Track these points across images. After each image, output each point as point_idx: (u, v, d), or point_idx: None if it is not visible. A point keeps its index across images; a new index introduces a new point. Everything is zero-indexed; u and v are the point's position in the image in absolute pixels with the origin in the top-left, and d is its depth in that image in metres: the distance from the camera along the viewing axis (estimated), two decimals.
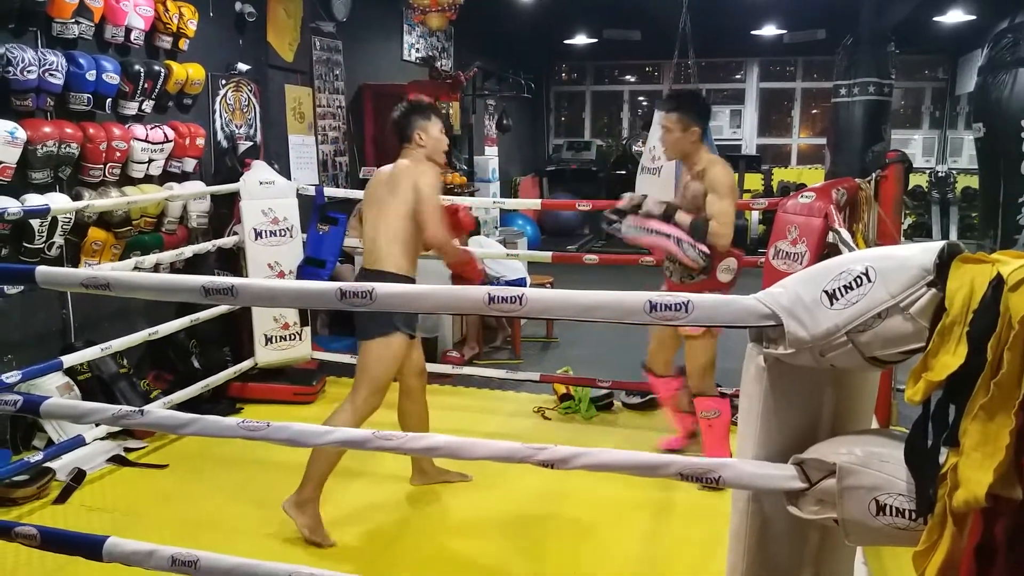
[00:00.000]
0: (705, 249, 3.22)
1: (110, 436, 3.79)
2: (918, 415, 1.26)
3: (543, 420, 4.40)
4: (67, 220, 3.80)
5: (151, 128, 4.27)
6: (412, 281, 3.08)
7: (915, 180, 9.88)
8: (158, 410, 1.83)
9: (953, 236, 9.55)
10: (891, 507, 1.27)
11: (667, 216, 3.29)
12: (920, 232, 9.72)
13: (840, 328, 1.27)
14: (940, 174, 9.91)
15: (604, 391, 4.52)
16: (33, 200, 3.61)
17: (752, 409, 1.44)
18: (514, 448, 1.52)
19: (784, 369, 1.39)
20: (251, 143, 5.25)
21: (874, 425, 1.63)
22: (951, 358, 1.15)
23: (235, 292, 1.60)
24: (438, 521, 3.26)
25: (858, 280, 1.27)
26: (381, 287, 1.52)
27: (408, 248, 3.10)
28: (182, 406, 3.95)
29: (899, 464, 1.27)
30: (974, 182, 9.90)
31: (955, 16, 9.23)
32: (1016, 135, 3.58)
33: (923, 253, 1.22)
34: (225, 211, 4.76)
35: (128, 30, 4.15)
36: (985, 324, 1.13)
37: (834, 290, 1.29)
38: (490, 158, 9.78)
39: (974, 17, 9.17)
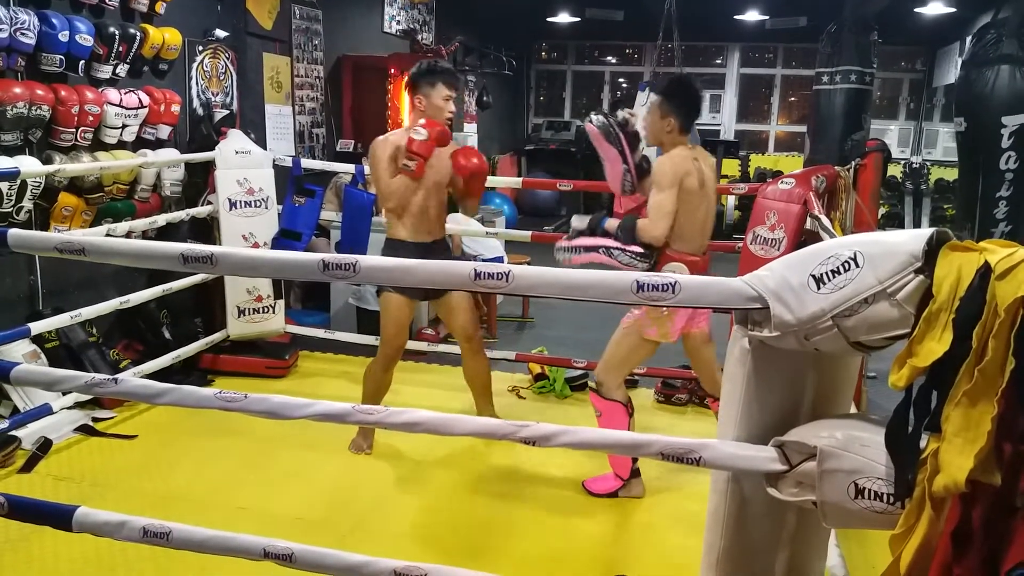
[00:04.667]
0: (637, 249, 3.03)
1: (78, 405, 3.73)
2: (890, 402, 1.27)
3: (517, 399, 4.40)
4: (37, 184, 3.70)
5: (125, 93, 4.17)
6: (403, 244, 3.45)
7: (889, 171, 9.98)
8: (133, 379, 1.80)
9: (925, 227, 9.67)
10: (870, 491, 1.28)
11: (593, 228, 3.12)
12: (893, 222, 9.84)
13: (826, 312, 1.28)
14: (914, 165, 10.02)
15: (579, 371, 4.53)
16: (2, 163, 3.52)
17: (735, 391, 1.44)
18: (496, 425, 1.52)
19: (768, 352, 1.39)
20: (227, 111, 5.16)
21: (852, 410, 1.65)
22: (936, 344, 1.16)
23: (215, 261, 1.57)
24: (411, 497, 3.26)
25: (846, 265, 1.27)
26: (365, 260, 1.50)
27: (393, 216, 3.46)
28: (152, 377, 3.89)
29: (879, 448, 1.28)
30: (947, 174, 10.04)
31: (935, 8, 9.29)
32: (996, 131, 3.60)
33: (912, 240, 1.22)
34: (199, 180, 4.68)
35: None
36: (971, 311, 1.14)
37: (821, 274, 1.29)
38: (469, 135, 9.70)
39: (954, 9, 9.24)
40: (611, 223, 3.10)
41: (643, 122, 3.24)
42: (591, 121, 3.24)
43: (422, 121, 3.29)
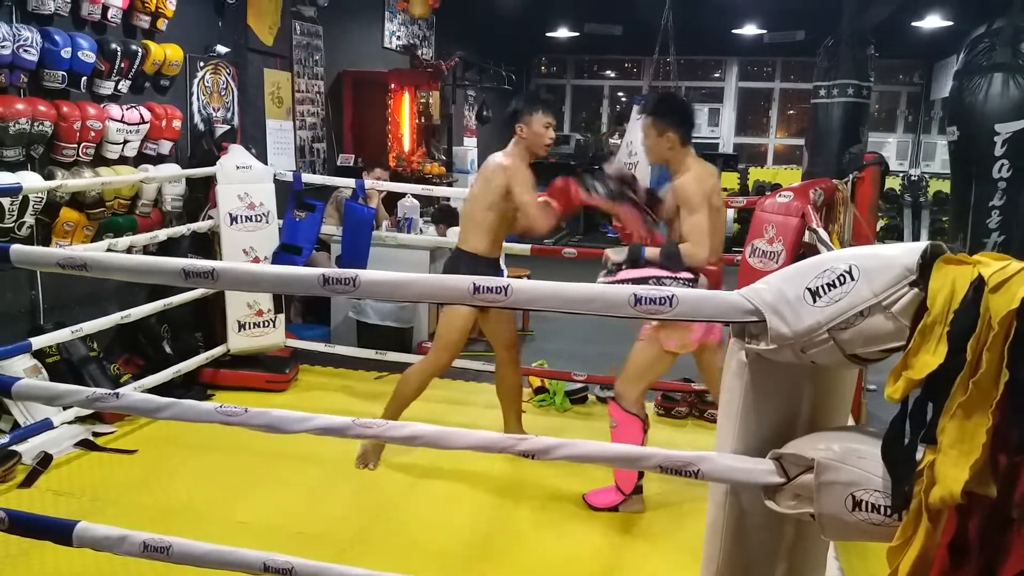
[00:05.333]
0: (687, 276, 3.01)
1: (78, 420, 3.73)
2: (889, 414, 1.27)
3: None
4: (39, 200, 3.72)
5: (127, 108, 4.20)
6: (487, 261, 3.54)
7: (888, 183, 10.01)
8: (133, 393, 1.81)
9: (924, 239, 9.68)
10: (867, 503, 1.29)
11: (634, 259, 3.07)
12: (892, 235, 9.85)
13: (822, 325, 1.29)
14: (913, 178, 10.04)
15: (579, 385, 4.53)
16: (4, 178, 3.53)
17: (732, 403, 1.45)
18: (495, 438, 1.52)
19: (765, 365, 1.40)
20: (228, 127, 5.19)
21: (850, 423, 1.65)
22: (931, 357, 1.17)
23: (216, 276, 1.58)
24: (411, 510, 3.26)
25: (841, 278, 1.28)
26: (365, 274, 1.51)
27: (488, 235, 3.52)
28: (153, 391, 3.89)
29: (876, 461, 1.28)
30: (946, 186, 10.03)
31: (933, 21, 9.35)
32: (989, 139, 3.60)
33: (907, 253, 1.23)
34: (200, 195, 4.70)
35: (105, 7, 4.06)
36: (965, 324, 1.14)
37: (817, 287, 1.30)
38: (469, 149, 9.76)
39: (951, 23, 9.30)
40: (651, 252, 3.06)
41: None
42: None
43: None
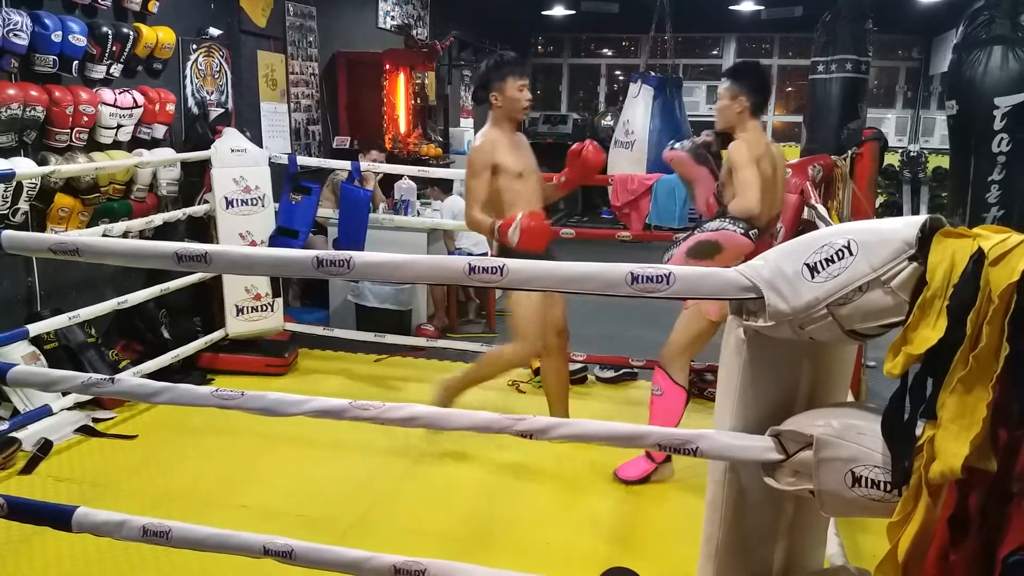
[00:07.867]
0: (740, 227, 3.00)
1: (78, 406, 3.73)
2: (888, 391, 1.27)
3: (517, 393, 4.40)
4: (32, 186, 3.70)
5: (120, 93, 4.16)
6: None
7: (887, 159, 9.97)
8: (130, 379, 1.80)
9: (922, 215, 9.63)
10: (867, 479, 1.28)
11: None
12: (891, 211, 9.81)
13: (820, 301, 1.28)
14: (912, 153, 10.00)
15: (578, 365, 4.53)
16: None
17: (731, 381, 1.44)
18: (493, 419, 1.52)
19: (763, 341, 1.39)
20: (222, 110, 5.15)
21: (849, 399, 1.65)
22: (931, 331, 1.16)
23: (209, 259, 1.57)
24: (411, 492, 3.26)
25: (840, 253, 1.27)
26: (359, 256, 1.50)
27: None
28: (152, 376, 3.89)
29: (876, 436, 1.28)
30: (945, 162, 9.98)
31: None
32: (989, 113, 3.57)
33: (905, 227, 1.22)
34: (196, 179, 4.67)
35: None
36: (965, 298, 1.13)
37: (815, 263, 1.29)
38: (465, 130, 9.70)
39: None
40: (710, 224, 3.09)
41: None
42: (675, 147, 3.27)
43: (521, 218, 3.12)
